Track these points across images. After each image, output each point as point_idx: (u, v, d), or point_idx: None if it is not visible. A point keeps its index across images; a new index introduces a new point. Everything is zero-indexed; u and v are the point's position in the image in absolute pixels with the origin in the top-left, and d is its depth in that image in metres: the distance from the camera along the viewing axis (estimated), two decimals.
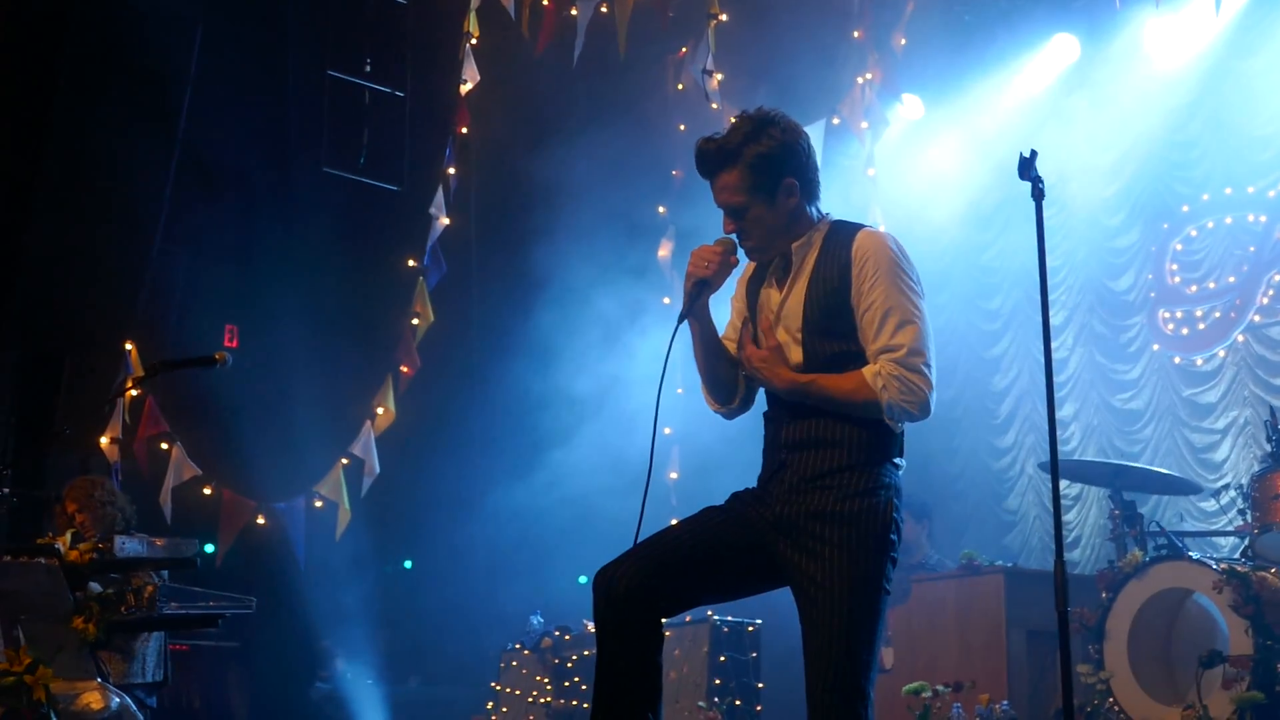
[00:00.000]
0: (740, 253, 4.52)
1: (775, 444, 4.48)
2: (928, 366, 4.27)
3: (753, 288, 4.63)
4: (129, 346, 10.71)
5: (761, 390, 4.61)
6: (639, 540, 4.41)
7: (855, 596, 4.22)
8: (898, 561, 4.37)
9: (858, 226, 4.46)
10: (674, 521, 4.69)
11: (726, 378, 4.64)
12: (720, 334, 4.65)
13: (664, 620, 4.42)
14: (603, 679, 4.36)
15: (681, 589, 4.42)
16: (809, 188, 4.47)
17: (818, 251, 4.43)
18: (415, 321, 12.08)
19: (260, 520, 11.46)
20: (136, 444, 10.72)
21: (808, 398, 4.35)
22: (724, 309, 4.77)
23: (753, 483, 4.55)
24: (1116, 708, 7.80)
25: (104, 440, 10.50)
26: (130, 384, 10.05)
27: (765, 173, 4.38)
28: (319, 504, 11.64)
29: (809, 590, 4.27)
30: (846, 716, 4.18)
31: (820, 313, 4.38)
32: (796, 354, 4.41)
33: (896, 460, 4.40)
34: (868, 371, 4.27)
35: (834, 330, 4.37)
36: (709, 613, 9.55)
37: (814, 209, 4.51)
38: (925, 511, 10.79)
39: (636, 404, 11.81)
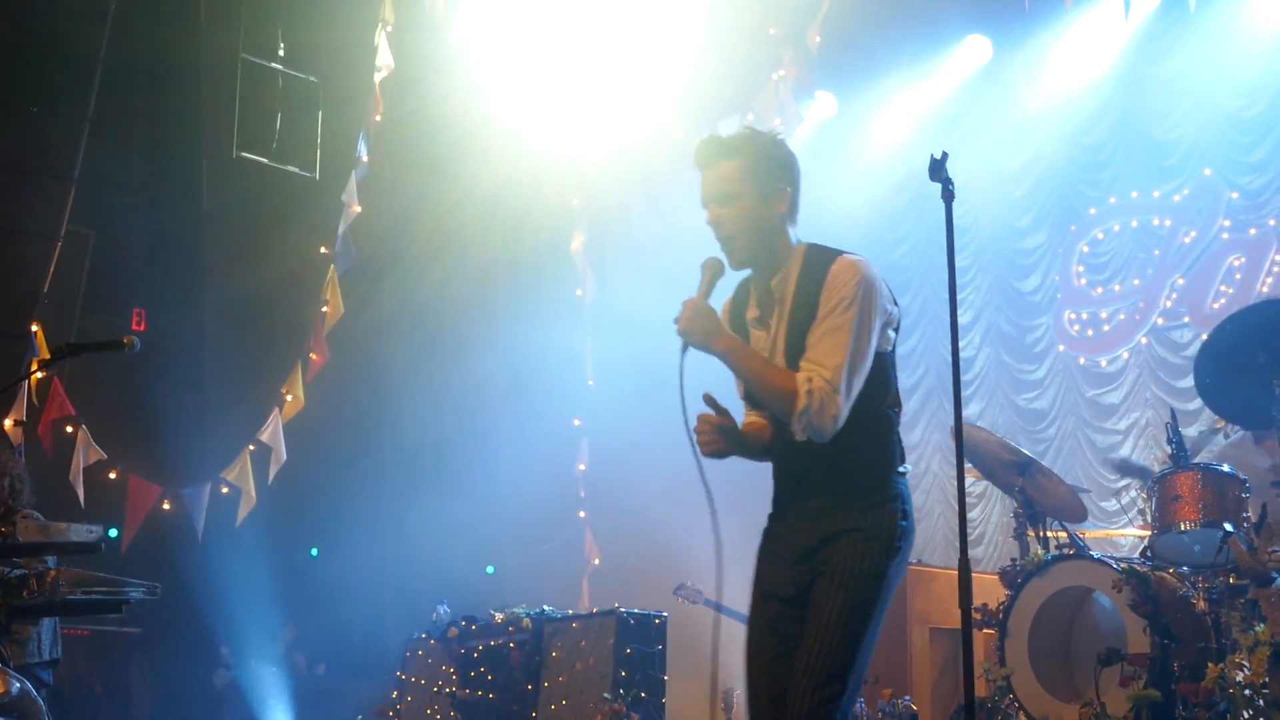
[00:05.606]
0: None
1: (785, 474, 4.56)
2: (844, 404, 4.28)
3: (735, 329, 4.58)
4: (35, 328, 10.60)
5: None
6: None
7: (849, 618, 4.27)
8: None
9: (835, 253, 4.46)
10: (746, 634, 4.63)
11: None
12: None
13: None
14: None
15: None
16: (795, 206, 4.53)
17: (795, 282, 4.46)
18: (326, 310, 12.03)
19: (166, 505, 11.37)
20: (42, 427, 10.62)
21: (735, 366, 4.38)
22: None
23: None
24: (1016, 704, 7.86)
25: (8, 422, 10.39)
26: (36, 366, 9.95)
27: (767, 170, 4.46)
28: (225, 490, 11.57)
29: (812, 601, 4.35)
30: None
31: (802, 346, 4.39)
32: None
33: (900, 469, 4.49)
34: (801, 375, 4.30)
35: None
36: (615, 604, 9.54)
37: (793, 232, 4.53)
38: None
39: (544, 398, 11.84)
